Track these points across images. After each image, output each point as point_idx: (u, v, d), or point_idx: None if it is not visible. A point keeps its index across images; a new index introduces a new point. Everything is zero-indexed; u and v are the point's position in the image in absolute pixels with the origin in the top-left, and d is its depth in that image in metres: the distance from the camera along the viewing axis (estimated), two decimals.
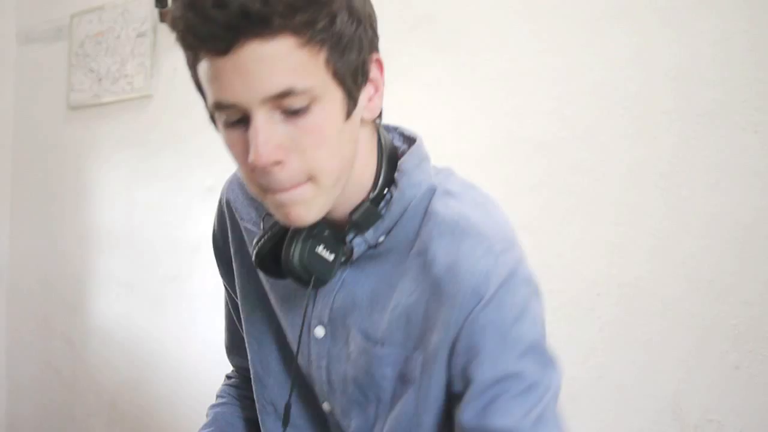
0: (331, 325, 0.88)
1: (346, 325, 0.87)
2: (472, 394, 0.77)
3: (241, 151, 0.73)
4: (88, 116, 2.96)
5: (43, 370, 3.13)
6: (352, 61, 0.73)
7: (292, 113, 0.70)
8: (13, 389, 3.27)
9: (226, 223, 1.04)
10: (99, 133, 2.91)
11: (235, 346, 1.15)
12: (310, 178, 0.74)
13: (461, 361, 0.78)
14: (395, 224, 0.84)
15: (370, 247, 0.85)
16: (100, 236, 2.92)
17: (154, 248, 2.72)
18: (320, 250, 0.81)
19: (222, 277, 1.10)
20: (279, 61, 0.68)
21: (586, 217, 1.70)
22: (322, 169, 0.73)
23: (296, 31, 0.68)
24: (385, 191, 0.83)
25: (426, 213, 0.84)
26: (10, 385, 3.27)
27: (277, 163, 0.71)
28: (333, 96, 0.73)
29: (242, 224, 0.99)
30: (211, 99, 0.72)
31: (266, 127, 0.70)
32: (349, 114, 0.75)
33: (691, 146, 1.57)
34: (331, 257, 0.81)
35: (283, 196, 0.74)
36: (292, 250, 0.80)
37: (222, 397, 1.17)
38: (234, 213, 1.01)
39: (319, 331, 0.89)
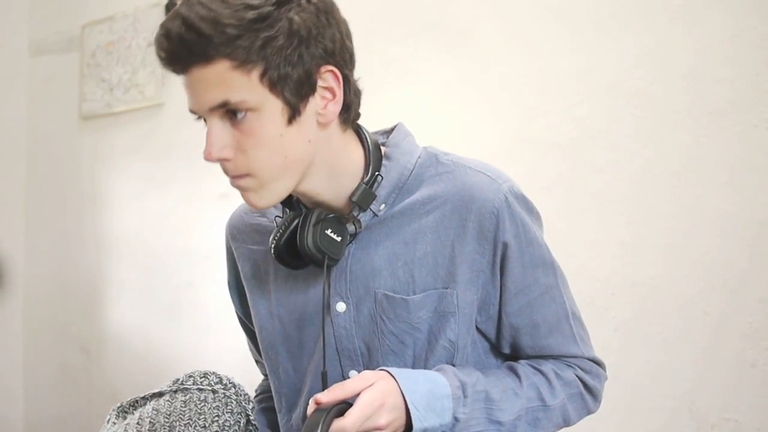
0: (353, 297, 0.98)
1: (370, 291, 0.97)
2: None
3: None
4: (100, 126, 2.98)
5: (60, 377, 3.15)
6: (293, 76, 0.85)
7: (236, 120, 0.85)
8: (29, 396, 3.29)
9: (233, 256, 1.13)
10: (111, 143, 2.94)
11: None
12: (249, 174, 0.88)
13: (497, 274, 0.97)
14: (400, 191, 0.97)
15: (374, 216, 0.97)
16: (115, 244, 2.94)
17: (168, 256, 2.73)
18: (329, 232, 0.93)
19: (241, 314, 1.21)
20: (215, 80, 0.83)
21: (598, 216, 1.70)
22: (260, 167, 0.88)
23: (230, 56, 0.82)
24: (377, 173, 0.96)
25: (429, 172, 0.98)
26: (27, 393, 3.29)
27: (225, 159, 0.87)
28: (271, 105, 0.85)
29: (250, 248, 1.09)
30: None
31: (215, 131, 0.86)
32: (291, 120, 0.87)
33: (703, 144, 1.57)
34: (338, 238, 0.94)
35: (235, 183, 0.91)
36: (305, 235, 0.92)
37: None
38: (240, 245, 1.11)
39: (341, 306, 0.99)
